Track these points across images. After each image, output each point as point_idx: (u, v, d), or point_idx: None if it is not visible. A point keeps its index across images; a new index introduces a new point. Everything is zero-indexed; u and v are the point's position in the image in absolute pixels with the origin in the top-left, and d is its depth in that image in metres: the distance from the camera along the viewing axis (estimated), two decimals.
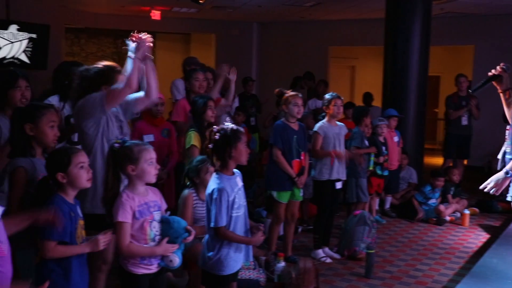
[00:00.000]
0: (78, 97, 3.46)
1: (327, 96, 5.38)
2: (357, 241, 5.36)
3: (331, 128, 5.31)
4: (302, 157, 5.02)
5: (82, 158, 2.76)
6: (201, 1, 6.69)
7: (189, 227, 3.07)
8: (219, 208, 3.18)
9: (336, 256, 5.41)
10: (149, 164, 2.91)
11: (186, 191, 4.04)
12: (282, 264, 4.63)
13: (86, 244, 2.76)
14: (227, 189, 3.21)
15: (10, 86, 3.44)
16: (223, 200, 3.18)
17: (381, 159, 6.41)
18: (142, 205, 2.91)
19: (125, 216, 2.83)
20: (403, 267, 5.22)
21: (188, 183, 4.13)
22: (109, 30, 12.56)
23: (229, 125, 3.34)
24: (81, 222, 2.80)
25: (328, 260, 5.29)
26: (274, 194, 5.02)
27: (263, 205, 6.66)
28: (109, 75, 3.48)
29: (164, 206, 3.09)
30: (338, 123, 5.44)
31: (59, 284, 2.63)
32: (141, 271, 2.92)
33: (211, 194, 3.24)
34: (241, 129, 3.39)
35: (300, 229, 6.24)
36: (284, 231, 5.32)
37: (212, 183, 3.27)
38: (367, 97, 9.72)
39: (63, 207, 2.67)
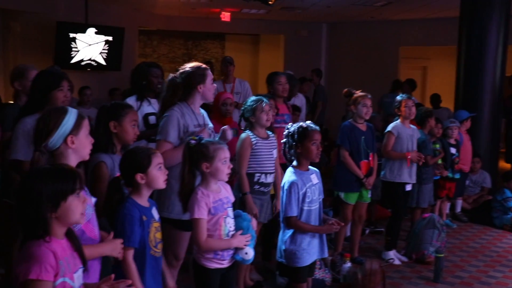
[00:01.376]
0: (170, 102, 3.58)
1: (398, 97, 5.32)
2: (426, 245, 5.25)
3: (405, 130, 5.24)
4: (370, 158, 4.97)
5: (160, 159, 2.74)
6: (270, 2, 6.73)
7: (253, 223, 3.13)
8: (289, 199, 3.36)
9: (404, 259, 5.32)
10: (223, 163, 2.97)
11: (243, 134, 4.09)
12: (348, 264, 4.60)
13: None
14: (298, 182, 3.35)
15: (55, 87, 3.48)
16: (293, 192, 3.35)
17: (456, 159, 6.22)
18: (217, 202, 2.98)
19: (201, 213, 2.91)
20: (474, 273, 5.05)
21: (243, 128, 4.19)
22: (180, 32, 12.88)
23: (303, 123, 3.47)
24: (156, 224, 2.75)
25: (397, 262, 5.21)
26: (342, 195, 5.00)
27: (329, 206, 6.63)
28: (201, 74, 3.59)
29: (232, 199, 3.17)
30: (412, 126, 5.37)
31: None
32: (214, 265, 3.00)
33: (283, 186, 3.39)
34: (313, 126, 3.45)
35: (367, 231, 6.18)
36: (351, 232, 5.29)
37: (286, 176, 3.45)
38: (435, 98, 9.47)
39: (134, 212, 2.62)
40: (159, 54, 13.27)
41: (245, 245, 3.00)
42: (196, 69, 3.61)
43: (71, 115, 2.41)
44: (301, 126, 3.44)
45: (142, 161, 2.66)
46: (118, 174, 2.79)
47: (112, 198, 2.69)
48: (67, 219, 1.98)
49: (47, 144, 2.36)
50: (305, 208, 3.41)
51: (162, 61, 12.65)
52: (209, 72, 3.65)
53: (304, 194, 3.38)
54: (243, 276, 4.31)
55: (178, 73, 3.66)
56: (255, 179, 4.07)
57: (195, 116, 3.60)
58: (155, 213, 2.79)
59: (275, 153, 4.18)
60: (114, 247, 2.49)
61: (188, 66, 3.68)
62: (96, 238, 2.48)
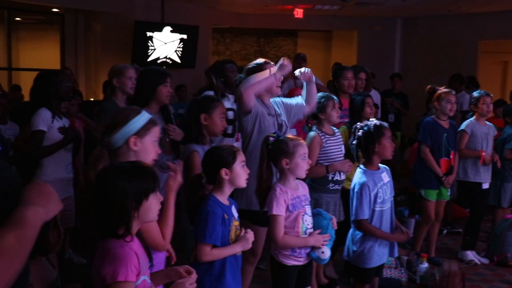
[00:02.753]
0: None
1: (475, 94, 5.14)
2: (509, 247, 5.04)
3: (480, 127, 5.06)
4: (451, 156, 4.83)
5: (243, 157, 2.77)
6: None
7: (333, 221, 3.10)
8: (359, 202, 3.28)
9: (484, 261, 5.12)
10: (302, 159, 2.97)
11: (312, 133, 4.07)
12: (425, 265, 4.49)
13: (237, 244, 2.69)
14: (369, 183, 3.28)
15: (161, 82, 3.64)
16: (364, 194, 3.27)
17: None
18: (295, 199, 2.98)
19: (279, 210, 2.92)
20: None
21: (312, 127, 4.18)
22: (252, 29, 12.97)
23: (373, 120, 3.40)
24: (236, 223, 2.76)
25: (479, 261, 5.03)
26: (422, 192, 4.90)
27: (404, 204, 6.49)
28: (261, 69, 3.65)
29: (309, 198, 3.16)
30: (488, 123, 5.17)
31: (212, 285, 2.65)
32: (291, 262, 3.01)
33: (353, 187, 3.31)
34: (385, 124, 3.40)
35: (445, 231, 5.99)
36: (428, 231, 5.14)
37: (356, 177, 3.36)
38: None
39: (217, 209, 2.64)
40: (232, 52, 13.41)
41: (323, 245, 2.99)
42: (256, 65, 3.69)
43: (142, 117, 2.35)
44: (375, 124, 3.38)
45: (227, 157, 2.69)
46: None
47: (195, 195, 2.73)
48: (145, 217, 1.96)
49: (110, 139, 2.30)
50: (377, 209, 3.34)
51: (234, 58, 12.77)
52: (269, 66, 3.69)
53: (376, 195, 3.31)
54: (319, 273, 4.29)
55: (244, 71, 3.77)
56: (329, 177, 4.02)
57: (265, 106, 3.65)
58: (234, 211, 2.80)
59: (343, 149, 4.13)
60: (244, 244, 2.68)
61: (251, 63, 3.75)
62: None
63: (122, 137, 2.29)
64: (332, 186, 4.05)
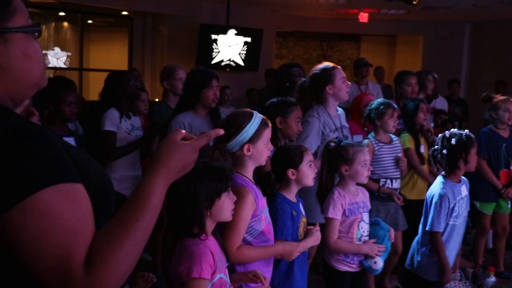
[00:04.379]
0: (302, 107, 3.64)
1: None
2: None
3: None
4: (511, 167, 4.65)
5: (311, 156, 2.80)
6: (414, 2, 6.53)
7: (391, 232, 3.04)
8: (437, 213, 3.21)
9: None
10: (363, 166, 2.96)
11: (366, 140, 4.01)
12: (492, 279, 4.35)
13: (307, 239, 2.70)
14: (449, 195, 3.20)
15: (206, 85, 3.65)
16: (443, 206, 3.20)
17: None
18: (353, 204, 2.97)
19: (335, 213, 2.92)
20: None
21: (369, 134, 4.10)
22: (315, 33, 12.94)
23: (460, 130, 3.34)
24: (304, 219, 2.80)
25: None
26: (477, 204, 4.74)
27: (469, 215, 6.29)
28: (328, 74, 3.61)
29: (369, 206, 3.12)
30: None
31: (281, 281, 2.68)
32: (344, 268, 2.99)
33: (432, 197, 3.25)
34: (473, 135, 3.34)
35: None
36: (494, 244, 4.97)
37: (436, 187, 3.29)
38: None
39: (285, 207, 2.69)
40: (295, 55, 13.42)
41: (377, 255, 2.95)
42: (322, 70, 3.63)
43: (254, 123, 2.40)
44: (466, 134, 3.31)
45: (294, 158, 2.72)
46: None
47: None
48: (219, 216, 2.02)
49: (227, 146, 2.39)
50: (450, 223, 3.26)
51: (297, 62, 12.77)
52: (338, 71, 3.63)
53: (452, 209, 3.24)
54: (384, 279, 4.22)
55: (308, 76, 3.71)
56: (380, 183, 3.97)
57: (331, 120, 3.60)
58: (302, 209, 2.83)
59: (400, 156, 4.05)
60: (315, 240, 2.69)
61: (317, 67, 3.69)
62: (272, 240, 2.55)
63: (237, 144, 2.38)
64: (383, 194, 3.98)
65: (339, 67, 3.71)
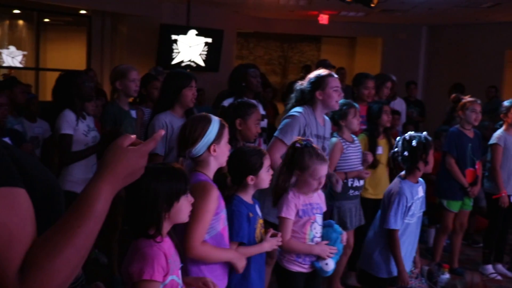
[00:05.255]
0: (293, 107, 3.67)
1: (505, 103, 5.05)
2: None
3: (510, 138, 4.96)
4: (476, 166, 4.78)
5: (269, 161, 2.80)
6: (372, 5, 6.63)
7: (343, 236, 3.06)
8: (395, 211, 3.26)
9: (510, 274, 5.05)
10: (314, 179, 2.91)
11: (334, 139, 4.06)
12: (446, 275, 4.45)
13: (265, 243, 2.72)
14: (407, 194, 3.27)
15: (186, 85, 3.66)
16: (401, 205, 3.26)
17: None
18: (307, 205, 2.98)
19: (288, 213, 2.92)
20: None
21: (333, 132, 4.14)
22: (276, 34, 13.00)
23: (418, 133, 3.40)
24: (261, 221, 2.81)
25: (498, 277, 4.96)
26: (444, 202, 4.85)
27: (424, 214, 6.42)
28: (319, 81, 3.61)
29: (324, 209, 3.14)
30: None
31: (237, 283, 2.68)
32: (296, 268, 2.99)
33: (390, 196, 3.30)
34: (429, 137, 3.42)
35: (476, 245, 5.90)
36: (451, 241, 5.09)
37: (394, 186, 3.36)
38: None
39: (242, 208, 2.69)
40: (256, 56, 13.46)
41: (328, 257, 2.96)
42: (318, 75, 3.63)
43: (215, 125, 2.49)
44: (425, 137, 3.38)
45: (255, 164, 2.71)
46: None
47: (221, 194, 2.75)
48: (177, 218, 2.01)
49: (192, 151, 2.45)
50: (405, 221, 3.33)
51: (258, 63, 12.80)
52: (333, 79, 3.60)
53: (409, 208, 3.30)
54: (335, 281, 4.26)
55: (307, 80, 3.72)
56: (349, 184, 4.03)
57: (316, 126, 3.60)
58: (258, 210, 2.83)
59: (360, 155, 4.14)
60: (271, 245, 2.73)
61: (313, 74, 3.69)
62: (227, 244, 2.57)
63: (203, 147, 2.46)
64: (352, 193, 4.07)
65: (336, 76, 3.67)
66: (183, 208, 2.01)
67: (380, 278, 3.37)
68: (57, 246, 1.06)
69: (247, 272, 2.69)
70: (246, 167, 2.70)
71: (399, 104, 6.63)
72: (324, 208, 3.13)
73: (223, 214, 2.50)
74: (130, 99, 4.75)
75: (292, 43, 13.67)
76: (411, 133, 3.43)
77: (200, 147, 2.45)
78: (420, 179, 3.47)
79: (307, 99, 3.62)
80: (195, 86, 3.75)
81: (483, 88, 9.65)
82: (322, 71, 3.67)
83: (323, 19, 10.65)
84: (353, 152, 4.09)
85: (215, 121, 2.51)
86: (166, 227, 2.00)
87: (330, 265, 2.96)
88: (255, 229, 2.72)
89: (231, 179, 2.77)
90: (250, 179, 2.69)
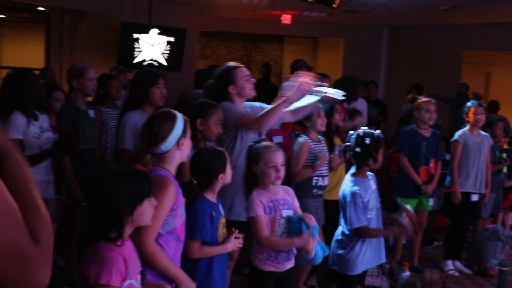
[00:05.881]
0: (214, 96, 3.63)
1: (467, 104, 5.16)
2: (489, 257, 5.08)
3: (472, 138, 5.07)
4: (431, 165, 4.85)
5: (228, 157, 2.89)
6: (334, 6, 6.68)
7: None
8: (354, 211, 3.29)
9: (467, 271, 5.16)
10: (269, 167, 2.96)
11: (301, 139, 4.09)
12: (406, 273, 4.51)
13: (228, 243, 2.77)
14: (361, 191, 3.29)
15: (153, 84, 3.65)
16: (357, 202, 3.28)
17: None
18: (272, 202, 2.99)
19: (257, 210, 2.93)
20: None
21: (299, 133, 4.18)
22: (239, 34, 12.98)
23: (371, 130, 3.43)
24: (223, 220, 2.84)
25: (456, 274, 5.06)
26: (399, 200, 4.92)
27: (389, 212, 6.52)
28: (228, 75, 3.59)
29: (296, 204, 3.15)
30: (482, 132, 5.19)
31: (200, 283, 2.68)
32: (268, 268, 3.00)
33: (345, 197, 3.32)
34: (382, 135, 3.46)
35: (435, 243, 6.00)
36: (411, 240, 5.17)
37: (346, 186, 3.36)
38: (493, 105, 9.14)
39: (205, 207, 2.72)
40: (218, 56, 13.41)
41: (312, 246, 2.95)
42: (223, 71, 3.63)
43: (180, 120, 2.51)
44: (378, 135, 3.40)
45: (222, 163, 2.78)
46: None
47: (187, 198, 2.74)
48: (139, 222, 1.99)
49: (160, 147, 2.45)
50: (368, 216, 3.37)
51: (221, 62, 12.66)
52: (240, 70, 3.61)
53: (367, 203, 3.34)
54: (299, 283, 4.27)
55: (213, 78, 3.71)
56: (313, 183, 4.06)
57: None
58: (221, 209, 2.86)
59: (327, 155, 4.15)
60: (233, 246, 2.77)
61: (219, 68, 3.69)
62: (182, 240, 2.57)
63: (172, 142, 2.46)
64: (316, 192, 4.08)
65: (241, 65, 3.67)
66: (146, 211, 1.98)
67: (350, 276, 3.41)
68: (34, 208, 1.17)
69: (209, 272, 2.71)
70: (215, 167, 2.76)
71: (360, 104, 6.69)
72: (296, 204, 3.14)
73: (180, 211, 2.48)
74: (90, 98, 4.66)
75: (255, 42, 13.67)
76: (365, 129, 3.45)
77: (169, 142, 2.45)
78: (370, 173, 3.50)
79: (222, 97, 3.59)
80: (164, 85, 3.72)
81: (442, 88, 9.87)
82: (227, 65, 3.68)
83: (286, 19, 10.69)
84: (319, 152, 4.10)
85: (180, 116, 2.53)
86: (128, 230, 1.97)
87: (311, 252, 2.94)
88: (217, 228, 2.75)
89: (198, 182, 2.79)
90: (220, 178, 2.76)
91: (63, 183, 4.10)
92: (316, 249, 2.96)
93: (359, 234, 3.34)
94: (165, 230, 2.42)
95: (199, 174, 2.80)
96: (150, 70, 4.06)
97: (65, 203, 4.20)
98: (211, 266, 2.71)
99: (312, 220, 2.96)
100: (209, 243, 2.70)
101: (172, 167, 2.50)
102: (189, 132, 2.56)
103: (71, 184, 4.04)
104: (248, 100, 3.72)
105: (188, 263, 2.66)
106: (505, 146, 6.11)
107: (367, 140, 3.34)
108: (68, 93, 4.41)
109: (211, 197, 2.79)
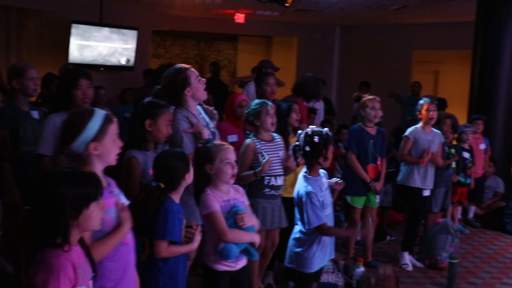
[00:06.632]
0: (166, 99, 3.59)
1: (420, 101, 5.27)
2: (439, 250, 5.22)
3: (424, 135, 5.18)
4: (378, 162, 4.94)
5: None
6: (287, 4, 6.72)
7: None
8: (312, 210, 3.31)
9: (419, 264, 5.29)
10: (225, 164, 2.98)
11: (247, 140, 4.04)
12: (361, 269, 4.58)
13: (194, 243, 2.80)
14: (316, 190, 3.31)
15: (72, 86, 3.45)
16: (314, 202, 3.30)
17: (469, 164, 6.18)
18: (225, 201, 3.00)
19: (214, 205, 2.94)
20: (488, 279, 5.02)
21: (249, 132, 4.16)
22: (193, 33, 12.88)
23: (320, 128, 3.44)
24: (184, 221, 2.86)
25: (409, 268, 5.18)
26: (348, 198, 4.99)
27: (341, 210, 6.61)
28: (183, 78, 3.54)
29: (247, 202, 3.16)
30: (434, 130, 5.30)
31: (166, 283, 2.69)
32: (222, 267, 3.00)
33: (300, 198, 3.33)
34: (330, 133, 3.49)
35: (388, 238, 6.12)
36: (363, 236, 5.24)
37: (300, 185, 3.37)
38: (441, 103, 9.39)
39: (175, 208, 2.73)
40: (172, 55, 13.28)
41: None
42: (175, 74, 3.55)
43: (96, 120, 2.27)
44: (326, 133, 3.41)
45: (185, 164, 2.82)
46: (151, 170, 2.85)
47: (151, 204, 2.72)
48: (86, 226, 1.92)
49: (70, 148, 2.26)
50: (325, 214, 3.40)
51: (174, 61, 12.58)
52: (191, 71, 3.57)
53: (323, 201, 3.36)
54: (256, 281, 4.27)
55: (162, 83, 3.65)
56: (265, 182, 3.99)
57: (196, 119, 3.58)
58: (182, 211, 2.87)
59: (281, 154, 4.11)
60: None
61: (168, 72, 3.61)
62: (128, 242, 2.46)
63: (81, 144, 2.24)
64: (268, 191, 4.01)
65: (189, 66, 3.63)
66: (93, 215, 1.90)
67: (307, 273, 3.44)
68: None
69: (175, 272, 2.72)
70: (181, 170, 2.78)
71: (318, 103, 6.75)
72: (246, 202, 3.15)
73: (110, 215, 2.29)
74: (33, 99, 4.50)
75: (208, 41, 13.61)
76: (314, 128, 3.47)
77: (78, 144, 2.24)
78: (322, 170, 3.52)
79: (176, 101, 3.56)
80: (88, 85, 3.52)
81: (393, 86, 10.09)
82: (177, 68, 3.60)
83: (239, 18, 10.69)
84: (271, 151, 4.04)
85: (98, 116, 2.28)
86: (75, 235, 1.90)
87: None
88: (181, 229, 2.77)
89: (166, 186, 2.76)
90: (186, 178, 2.79)
91: (3, 187, 3.96)
92: (230, 247, 2.94)
93: (320, 232, 3.35)
94: (95, 238, 2.24)
95: (164, 179, 2.77)
96: (72, 70, 3.83)
97: (7, 208, 4.06)
98: (178, 266, 2.73)
99: (244, 221, 2.97)
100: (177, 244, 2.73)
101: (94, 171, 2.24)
102: (109, 135, 2.29)
103: (9, 187, 3.89)
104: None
105: (156, 263, 2.69)
106: (454, 142, 6.30)
107: (316, 139, 3.35)
108: (10, 93, 4.25)
109: (177, 198, 2.80)
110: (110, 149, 2.31)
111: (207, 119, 3.77)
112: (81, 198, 1.86)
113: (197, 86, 3.57)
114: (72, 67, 3.84)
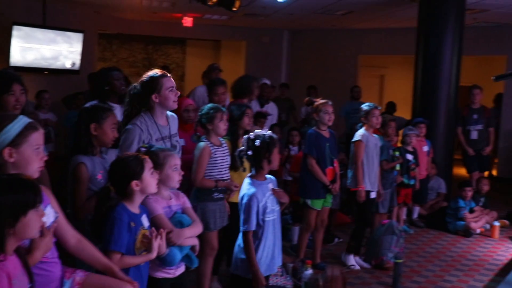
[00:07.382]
0: (132, 113, 3.49)
1: (364, 107, 5.36)
2: (385, 251, 5.33)
3: (371, 138, 5.30)
4: (335, 164, 5.03)
5: (151, 164, 2.76)
6: (234, 9, 6.75)
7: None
8: (248, 213, 3.30)
9: (366, 265, 5.39)
10: (174, 170, 2.98)
11: (202, 143, 4.02)
12: (309, 271, 4.62)
13: (146, 255, 2.67)
14: (258, 194, 3.29)
15: (4, 91, 3.32)
16: (252, 206, 3.28)
17: (412, 166, 6.35)
18: (165, 208, 2.98)
19: (158, 209, 2.91)
20: (431, 277, 5.17)
21: (200, 136, 4.13)
22: (140, 36, 12.75)
23: (264, 131, 3.44)
24: (144, 231, 2.72)
25: (357, 268, 5.28)
26: (309, 202, 5.04)
27: (288, 213, 6.66)
28: (154, 82, 3.49)
29: (188, 204, 3.15)
30: (374, 135, 5.43)
31: None
32: (161, 275, 2.97)
33: (242, 199, 3.33)
34: (274, 135, 3.48)
35: (336, 240, 6.20)
36: (313, 237, 5.32)
37: (244, 188, 3.36)
38: (390, 106, 9.66)
39: (124, 217, 2.64)
40: (119, 58, 13.09)
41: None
42: (150, 78, 3.46)
43: (16, 125, 2.15)
44: (269, 136, 3.41)
45: (135, 168, 2.67)
46: (99, 175, 2.81)
47: (102, 208, 2.67)
48: (24, 235, 1.85)
49: None
50: (267, 219, 3.36)
51: (122, 65, 12.46)
52: (166, 80, 3.46)
53: (265, 206, 3.34)
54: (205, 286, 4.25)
55: (138, 82, 3.58)
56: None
57: (157, 129, 3.50)
58: (144, 220, 2.77)
59: (229, 160, 4.16)
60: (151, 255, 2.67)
61: (146, 74, 3.53)
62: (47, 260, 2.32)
63: None
64: (217, 195, 4.05)
65: (168, 75, 3.52)
66: (31, 223, 1.84)
67: (250, 279, 3.42)
68: None
69: (140, 280, 2.68)
70: (127, 172, 2.67)
71: (271, 108, 6.80)
72: (188, 204, 3.14)
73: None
74: None
75: (156, 45, 13.50)
76: (256, 131, 3.48)
77: None
78: (269, 176, 3.51)
79: (143, 103, 3.49)
80: (22, 90, 3.38)
81: (340, 90, 10.27)
82: (154, 72, 3.53)
83: (187, 21, 10.65)
84: (221, 156, 4.06)
85: (20, 122, 2.16)
86: (11, 244, 1.83)
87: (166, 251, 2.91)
88: (135, 240, 2.67)
89: (116, 190, 2.70)
90: (134, 185, 2.67)
91: None
92: (174, 252, 2.92)
93: (243, 237, 3.33)
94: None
95: (113, 180, 2.72)
96: (4, 75, 3.65)
97: None
98: (141, 273, 2.71)
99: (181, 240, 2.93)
100: (124, 255, 2.62)
101: None
102: (30, 144, 2.16)
103: None
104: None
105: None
106: (398, 145, 6.47)
107: (257, 142, 3.35)
108: None
109: (132, 206, 2.70)
110: (29, 160, 2.17)
111: (174, 130, 3.70)
112: (18, 206, 1.80)
113: (168, 95, 3.45)
114: (5, 71, 3.63)
